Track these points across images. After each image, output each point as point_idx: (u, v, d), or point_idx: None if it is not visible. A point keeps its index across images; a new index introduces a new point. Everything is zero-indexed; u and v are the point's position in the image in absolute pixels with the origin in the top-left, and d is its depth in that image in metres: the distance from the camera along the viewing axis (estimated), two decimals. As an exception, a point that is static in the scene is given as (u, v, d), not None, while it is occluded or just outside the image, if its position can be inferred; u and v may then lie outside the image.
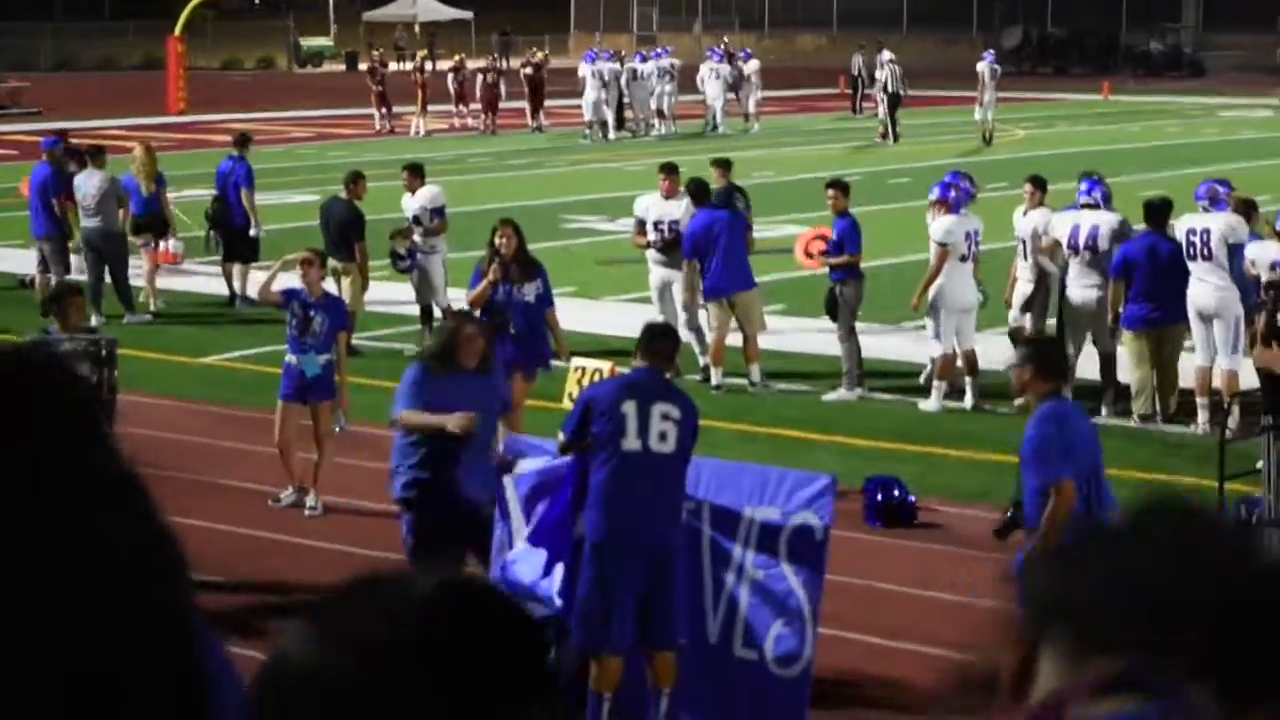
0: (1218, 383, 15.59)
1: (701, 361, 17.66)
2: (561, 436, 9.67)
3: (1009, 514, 11.07)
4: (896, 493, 13.26)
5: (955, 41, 76.60)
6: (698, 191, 17.74)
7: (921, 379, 17.33)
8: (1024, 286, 17.06)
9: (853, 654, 10.52)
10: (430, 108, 46.10)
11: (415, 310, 19.47)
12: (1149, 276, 15.57)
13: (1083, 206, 16.54)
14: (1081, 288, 16.23)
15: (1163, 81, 66.82)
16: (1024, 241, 17.02)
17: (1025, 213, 17.20)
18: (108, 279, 20.93)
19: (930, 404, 16.62)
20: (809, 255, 18.91)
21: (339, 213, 19.25)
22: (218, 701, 1.67)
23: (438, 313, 19.09)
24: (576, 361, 15.68)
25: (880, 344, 18.53)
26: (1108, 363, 16.30)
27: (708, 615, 9.65)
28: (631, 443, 9.29)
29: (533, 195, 32.08)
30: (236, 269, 21.90)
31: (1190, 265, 15.61)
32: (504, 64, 56.87)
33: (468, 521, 10.18)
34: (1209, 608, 1.56)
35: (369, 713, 1.57)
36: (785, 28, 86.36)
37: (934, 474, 14.44)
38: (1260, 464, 12.13)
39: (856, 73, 50.98)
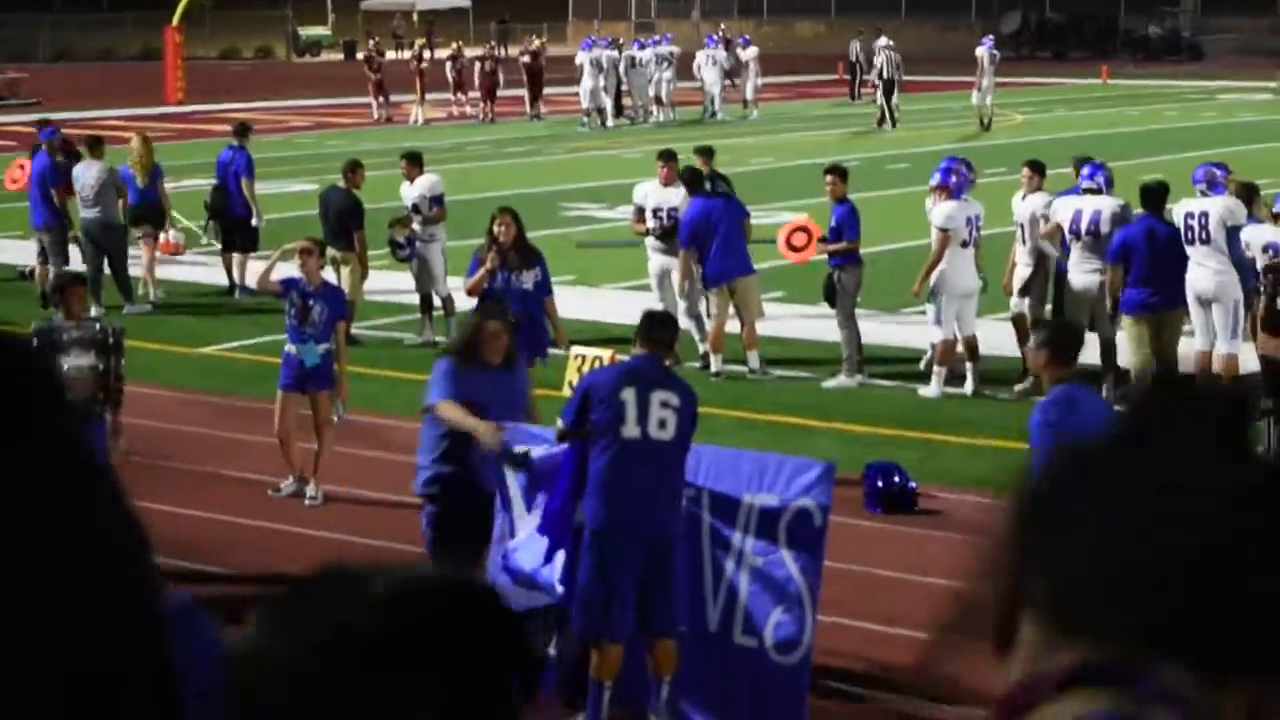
0: (1217, 366, 15.58)
1: (701, 349, 17.67)
2: (560, 423, 9.67)
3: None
4: (896, 479, 13.26)
5: (954, 27, 76.54)
6: (691, 180, 17.73)
7: (921, 365, 17.33)
8: (1022, 271, 17.05)
9: (852, 640, 10.53)
10: (428, 96, 46.10)
11: (415, 299, 19.47)
12: (1147, 261, 15.55)
13: (1084, 191, 16.53)
14: (1083, 273, 16.22)
15: (1161, 65, 66.77)
16: (1022, 226, 17.01)
17: (1023, 197, 17.19)
18: (107, 270, 20.93)
19: (930, 390, 16.62)
20: (791, 249, 18.87)
21: (338, 202, 19.24)
22: (202, 688, 1.67)
23: (437, 302, 19.10)
24: (576, 349, 15.68)
25: (880, 330, 18.53)
26: (1108, 348, 16.29)
27: (708, 602, 9.66)
28: (631, 430, 9.30)
29: (531, 183, 32.07)
30: (236, 259, 21.90)
31: (1189, 249, 15.60)
32: (502, 52, 56.86)
33: (488, 516, 10.21)
34: (1185, 563, 1.40)
35: (326, 704, 1.56)
36: (784, 14, 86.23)
37: (934, 460, 14.44)
38: (1259, 448, 12.12)
39: (854, 59, 50.96)
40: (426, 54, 49.88)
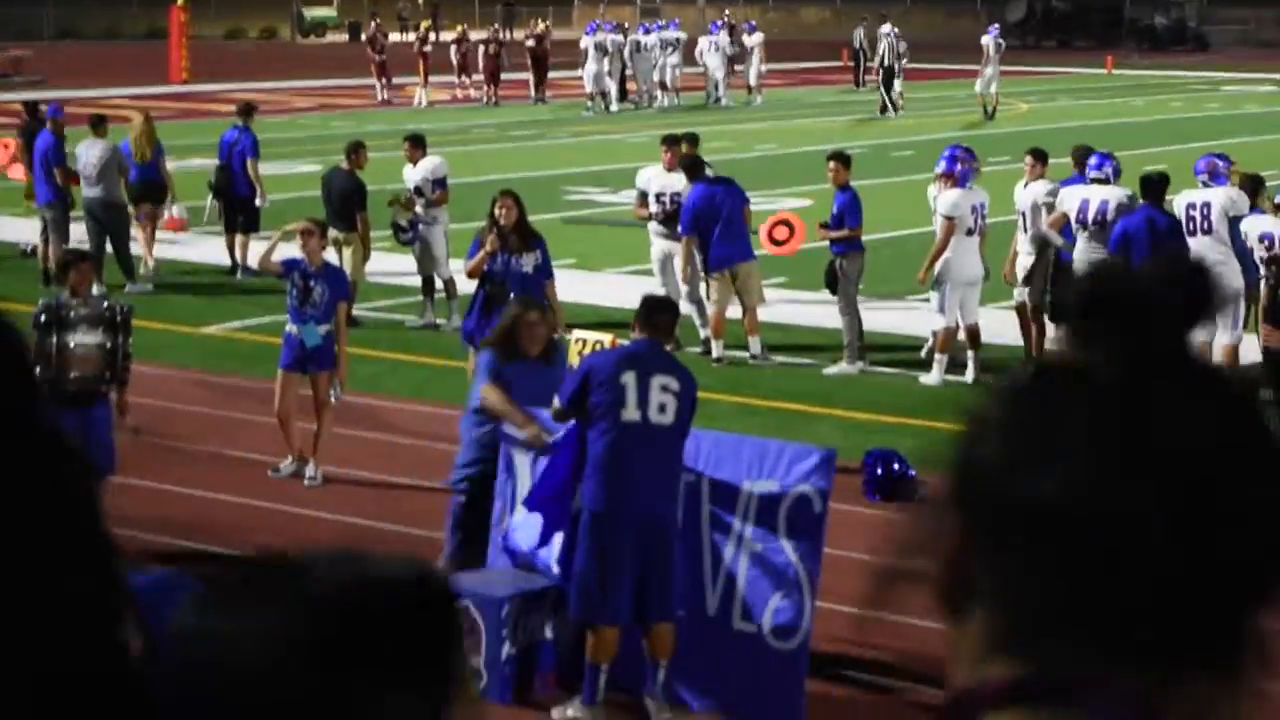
0: (1218, 357, 15.57)
1: (702, 334, 17.66)
2: (557, 403, 9.67)
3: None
4: (897, 466, 13.26)
5: (959, 15, 76.51)
6: (691, 166, 17.71)
7: (923, 353, 17.32)
8: (1024, 259, 17.03)
9: (851, 627, 10.52)
10: (432, 79, 46.05)
11: (416, 281, 19.45)
12: (1148, 251, 15.52)
13: (1092, 181, 16.51)
14: (1089, 262, 16.21)
15: (1167, 56, 66.73)
16: (1024, 214, 17.00)
17: (1026, 185, 17.17)
18: (109, 249, 20.90)
19: (931, 377, 16.61)
20: (774, 242, 18.86)
21: (340, 183, 19.23)
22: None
23: (439, 284, 19.10)
24: (577, 333, 15.64)
25: (881, 317, 18.52)
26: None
27: (706, 587, 9.66)
28: (631, 414, 9.29)
29: (535, 167, 32.05)
30: (238, 239, 21.88)
31: (1190, 240, 15.58)
32: (507, 35, 56.76)
33: None
34: (1145, 538, 1.32)
35: (256, 690, 1.55)
36: (789, 0, 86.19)
37: (934, 448, 14.40)
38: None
39: (859, 46, 50.90)
40: (431, 36, 49.84)
